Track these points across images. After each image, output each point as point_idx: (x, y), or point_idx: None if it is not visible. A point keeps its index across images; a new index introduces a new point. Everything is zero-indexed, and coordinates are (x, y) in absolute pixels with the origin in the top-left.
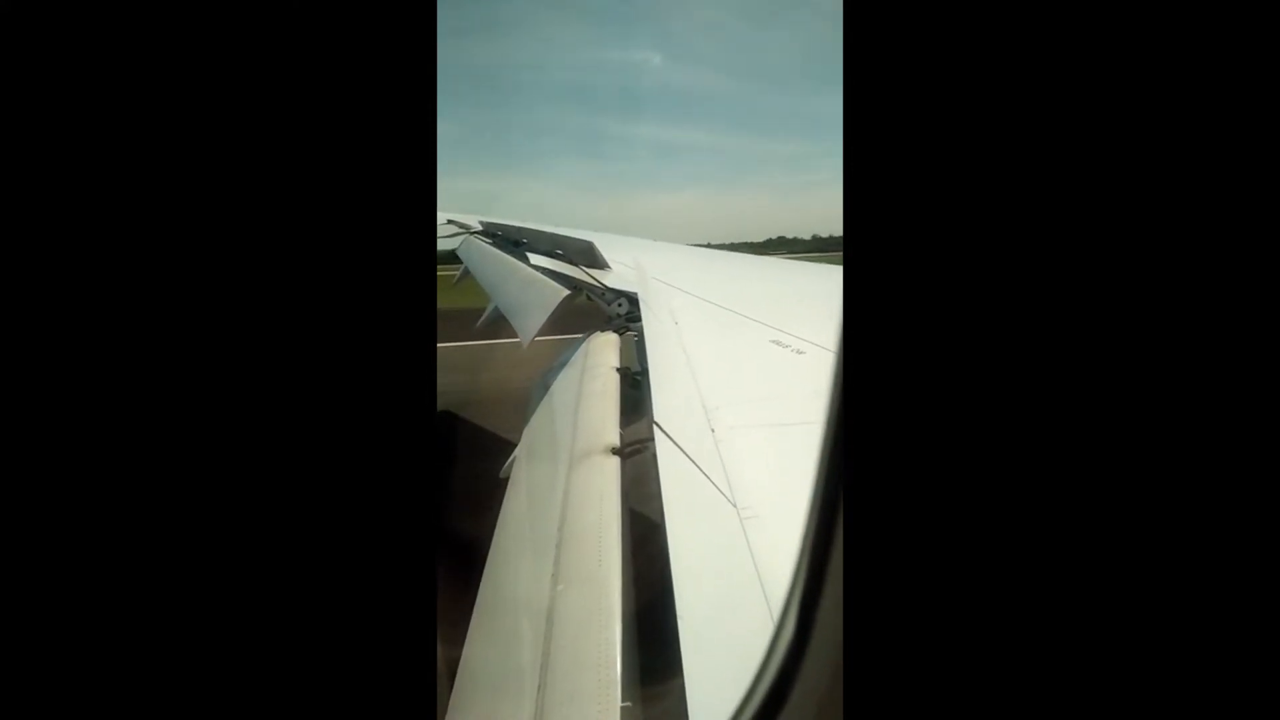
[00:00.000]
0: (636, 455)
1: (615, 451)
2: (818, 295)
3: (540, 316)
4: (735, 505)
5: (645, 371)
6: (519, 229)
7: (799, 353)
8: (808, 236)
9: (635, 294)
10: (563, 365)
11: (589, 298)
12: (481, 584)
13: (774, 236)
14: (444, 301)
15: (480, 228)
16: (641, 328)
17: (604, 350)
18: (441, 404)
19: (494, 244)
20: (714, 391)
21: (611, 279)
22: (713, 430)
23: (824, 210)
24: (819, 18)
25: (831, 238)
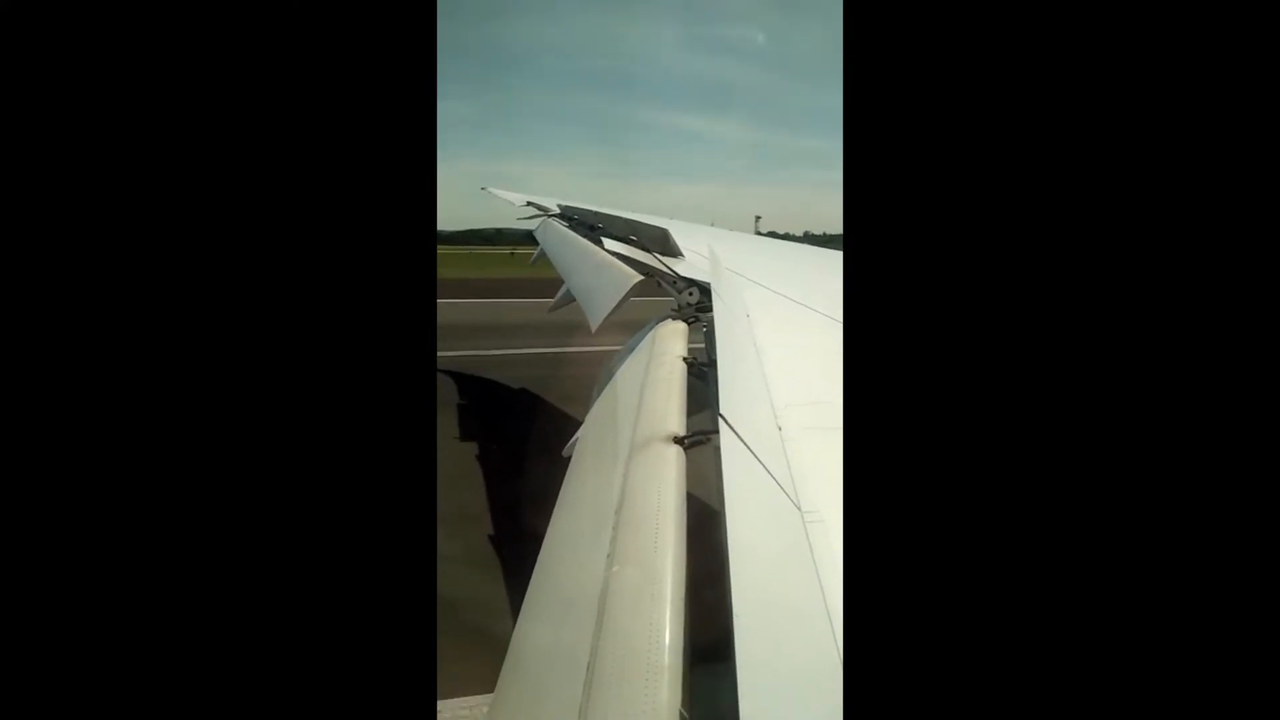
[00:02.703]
0: (699, 446)
1: (677, 440)
2: None
3: (610, 302)
4: (799, 507)
5: (713, 363)
6: (595, 213)
7: None
8: (799, 232)
9: (707, 283)
10: (630, 350)
11: (660, 284)
12: (539, 559)
13: (764, 231)
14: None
15: (558, 210)
16: (712, 318)
17: (671, 338)
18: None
19: (570, 227)
20: (784, 388)
21: (684, 267)
22: (780, 428)
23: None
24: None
25: (824, 234)
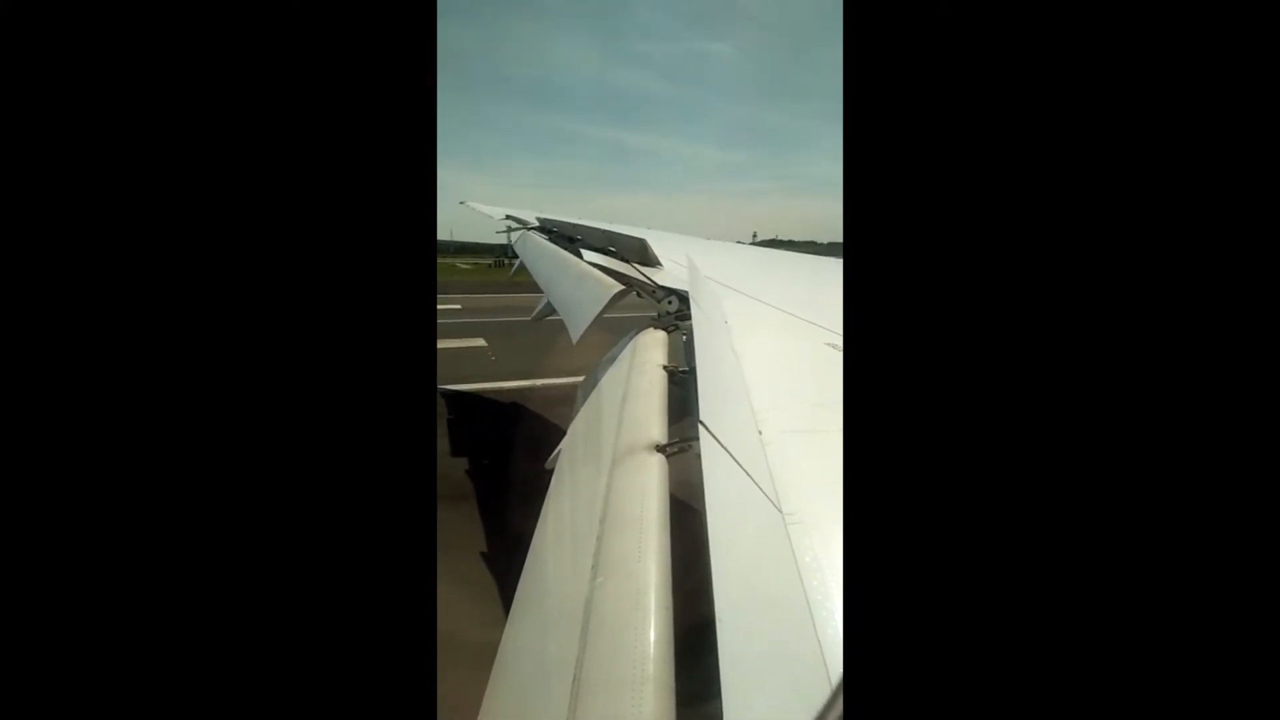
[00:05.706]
0: (680, 454)
1: (659, 449)
2: None
3: (590, 313)
4: (780, 509)
5: (693, 370)
6: (574, 225)
7: None
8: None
9: (686, 292)
10: (610, 361)
11: (639, 294)
12: (523, 572)
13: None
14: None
15: (537, 224)
16: (691, 326)
17: (652, 348)
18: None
19: (550, 239)
20: (763, 393)
21: (662, 276)
22: (760, 432)
23: (759, 216)
24: (768, 30)
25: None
